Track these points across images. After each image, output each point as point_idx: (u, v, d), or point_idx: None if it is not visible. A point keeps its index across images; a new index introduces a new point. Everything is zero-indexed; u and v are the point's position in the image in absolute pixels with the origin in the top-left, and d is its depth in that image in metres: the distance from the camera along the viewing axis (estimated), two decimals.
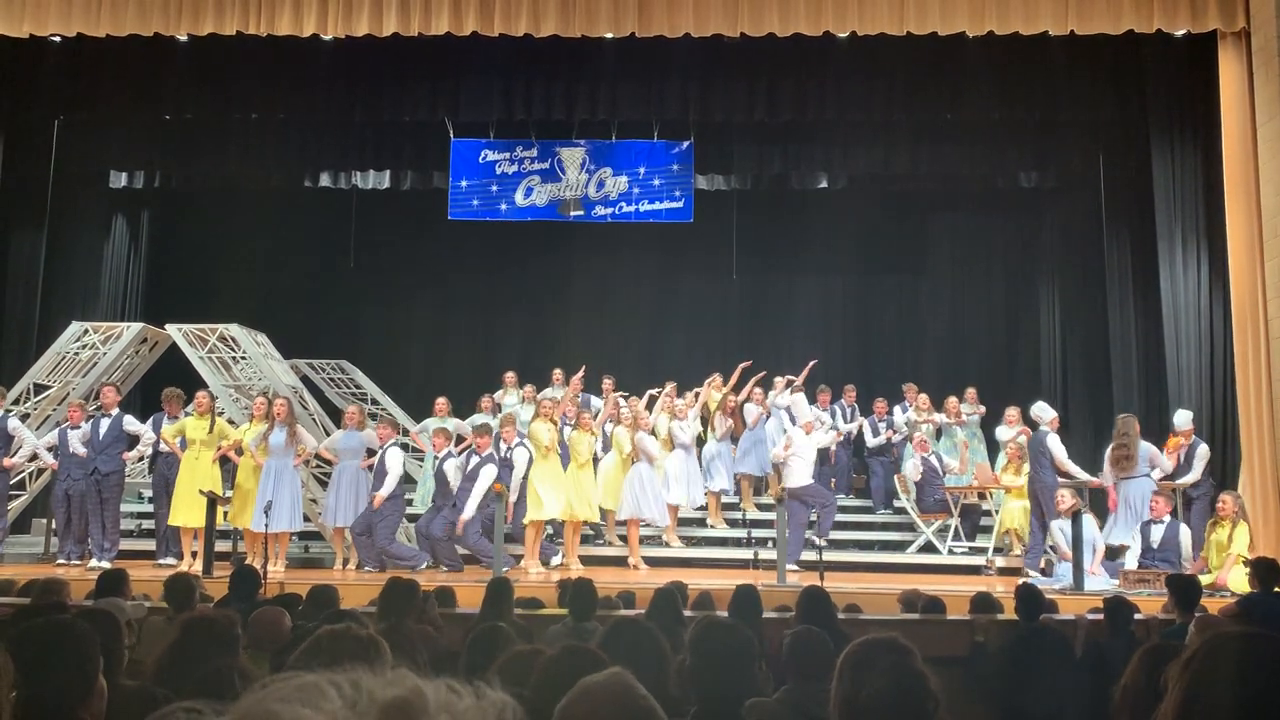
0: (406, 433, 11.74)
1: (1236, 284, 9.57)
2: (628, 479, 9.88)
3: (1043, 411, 9.54)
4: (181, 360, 11.40)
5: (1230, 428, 9.73)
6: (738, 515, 11.30)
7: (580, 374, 11.32)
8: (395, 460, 9.57)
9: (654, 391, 10.95)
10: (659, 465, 10.04)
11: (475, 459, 9.41)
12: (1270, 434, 9.22)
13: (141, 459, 10.49)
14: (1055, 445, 9.28)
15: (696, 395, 11.00)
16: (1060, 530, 8.87)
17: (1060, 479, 9.21)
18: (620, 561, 9.99)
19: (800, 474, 9.80)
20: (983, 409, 11.65)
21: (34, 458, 10.00)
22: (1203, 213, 10.18)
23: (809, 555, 9.40)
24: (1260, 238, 9.45)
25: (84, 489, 9.53)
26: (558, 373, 11.87)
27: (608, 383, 11.60)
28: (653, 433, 10.18)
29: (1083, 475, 9.43)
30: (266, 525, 8.65)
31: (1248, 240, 9.52)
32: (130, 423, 9.84)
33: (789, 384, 11.28)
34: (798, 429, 10.21)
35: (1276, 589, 6.36)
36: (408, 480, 10.39)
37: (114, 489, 9.63)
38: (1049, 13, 9.72)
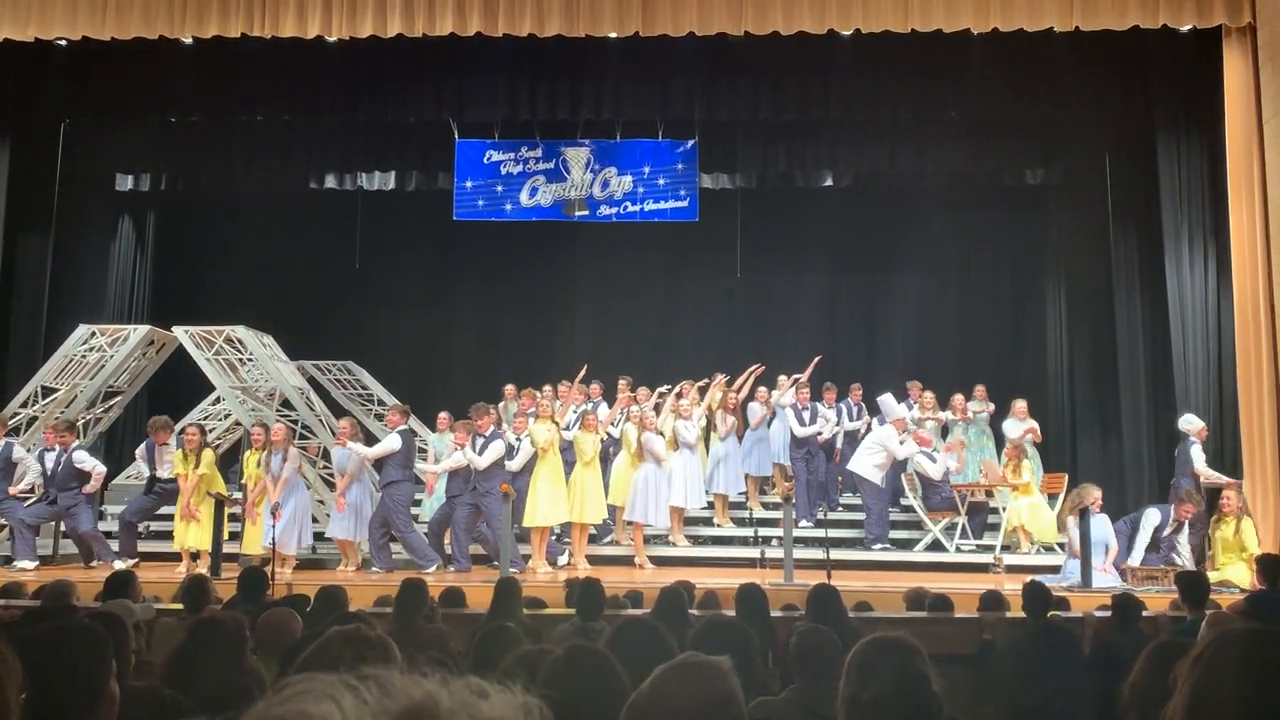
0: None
1: (1240, 280, 9.55)
2: (634, 480, 9.89)
3: (1189, 424, 9.60)
4: (188, 362, 11.42)
5: (1235, 424, 9.70)
6: (744, 514, 11.29)
7: (580, 375, 11.24)
8: (394, 439, 9.59)
9: (664, 389, 10.96)
10: (665, 465, 10.04)
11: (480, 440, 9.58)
12: (1273, 431, 9.20)
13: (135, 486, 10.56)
14: (1197, 454, 9.42)
15: (701, 391, 11.00)
16: (1074, 527, 8.87)
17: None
18: (627, 561, 10.00)
19: (867, 467, 10.39)
20: (991, 406, 11.64)
21: (33, 489, 10.04)
22: (1209, 208, 10.15)
23: (816, 554, 9.41)
24: (1266, 233, 9.42)
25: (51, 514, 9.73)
26: (558, 387, 11.77)
27: (623, 383, 11.62)
28: (659, 433, 10.17)
29: (1222, 478, 9.40)
30: (274, 538, 8.68)
31: (1252, 236, 9.50)
32: (81, 459, 9.75)
33: (794, 382, 11.27)
34: (888, 427, 10.49)
35: None
36: (416, 483, 10.40)
37: (76, 519, 9.65)
38: (1053, 9, 9.70)
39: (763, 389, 11.38)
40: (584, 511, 9.63)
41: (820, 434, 11.13)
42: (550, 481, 9.47)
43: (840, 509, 11.40)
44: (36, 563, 9.39)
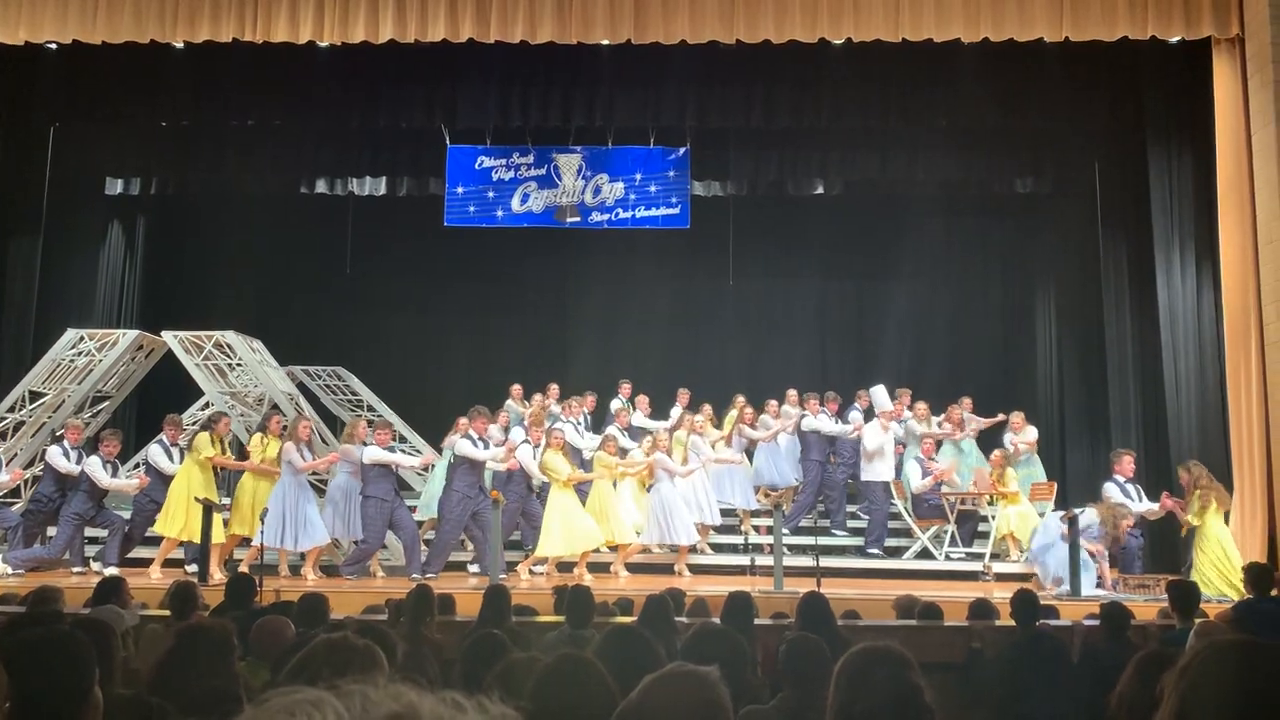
0: (402, 438, 11.74)
1: (1229, 290, 9.59)
2: (650, 504, 9.83)
3: None
4: (177, 367, 11.38)
5: (1224, 433, 9.73)
6: (734, 522, 11.28)
7: (589, 405, 11.29)
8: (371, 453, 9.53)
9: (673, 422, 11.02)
10: (688, 469, 9.97)
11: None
12: (1261, 440, 9.23)
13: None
14: None
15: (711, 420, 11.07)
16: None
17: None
18: (603, 568, 9.94)
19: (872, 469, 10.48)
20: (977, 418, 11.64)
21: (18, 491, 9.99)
22: (1199, 218, 10.20)
23: (805, 561, 9.40)
24: (1255, 244, 9.46)
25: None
26: (554, 388, 11.88)
27: (625, 386, 11.68)
28: (669, 452, 10.07)
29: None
30: (262, 534, 8.64)
31: (1241, 246, 9.54)
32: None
33: (801, 402, 11.32)
34: (875, 424, 10.57)
35: (1273, 593, 6.37)
36: (404, 487, 10.38)
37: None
38: (1044, 19, 9.74)
39: (773, 401, 11.37)
40: (601, 534, 9.57)
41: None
42: (565, 511, 9.39)
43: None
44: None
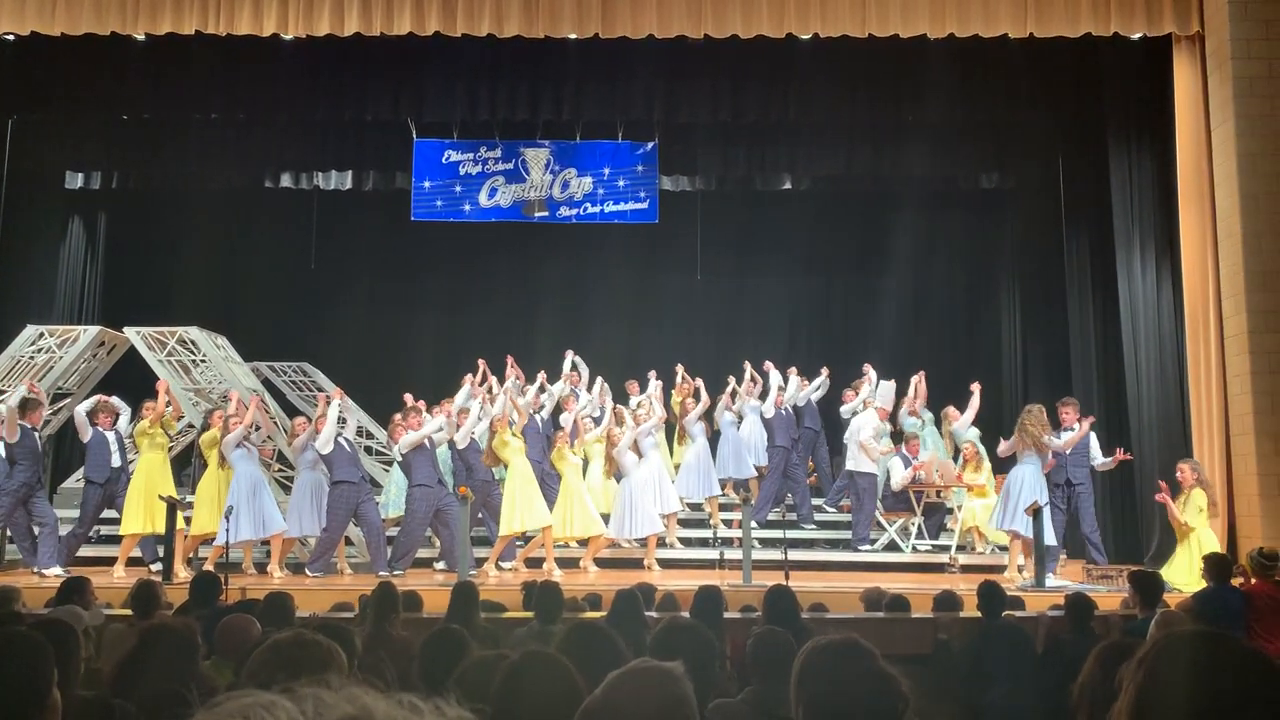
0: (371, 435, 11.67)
1: (1189, 285, 9.73)
2: (618, 496, 9.84)
3: None
4: (140, 364, 11.24)
5: (1185, 426, 9.87)
6: (703, 516, 11.30)
7: (511, 373, 11.31)
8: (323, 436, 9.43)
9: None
10: (642, 465, 10.00)
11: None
12: (1221, 432, 9.38)
13: None
14: None
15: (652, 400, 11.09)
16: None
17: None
18: (572, 563, 9.94)
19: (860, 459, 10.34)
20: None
21: None
22: (1160, 214, 10.33)
23: (774, 554, 9.44)
24: (1214, 239, 9.60)
25: None
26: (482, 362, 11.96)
27: (573, 376, 11.77)
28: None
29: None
30: (227, 531, 8.56)
31: (1201, 241, 9.68)
32: None
33: (753, 380, 11.35)
34: (870, 411, 10.56)
35: (1234, 583, 6.47)
36: (373, 484, 10.32)
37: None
38: (1008, 16, 9.83)
39: (726, 396, 11.38)
40: (571, 525, 9.59)
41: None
42: (520, 487, 9.42)
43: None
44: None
